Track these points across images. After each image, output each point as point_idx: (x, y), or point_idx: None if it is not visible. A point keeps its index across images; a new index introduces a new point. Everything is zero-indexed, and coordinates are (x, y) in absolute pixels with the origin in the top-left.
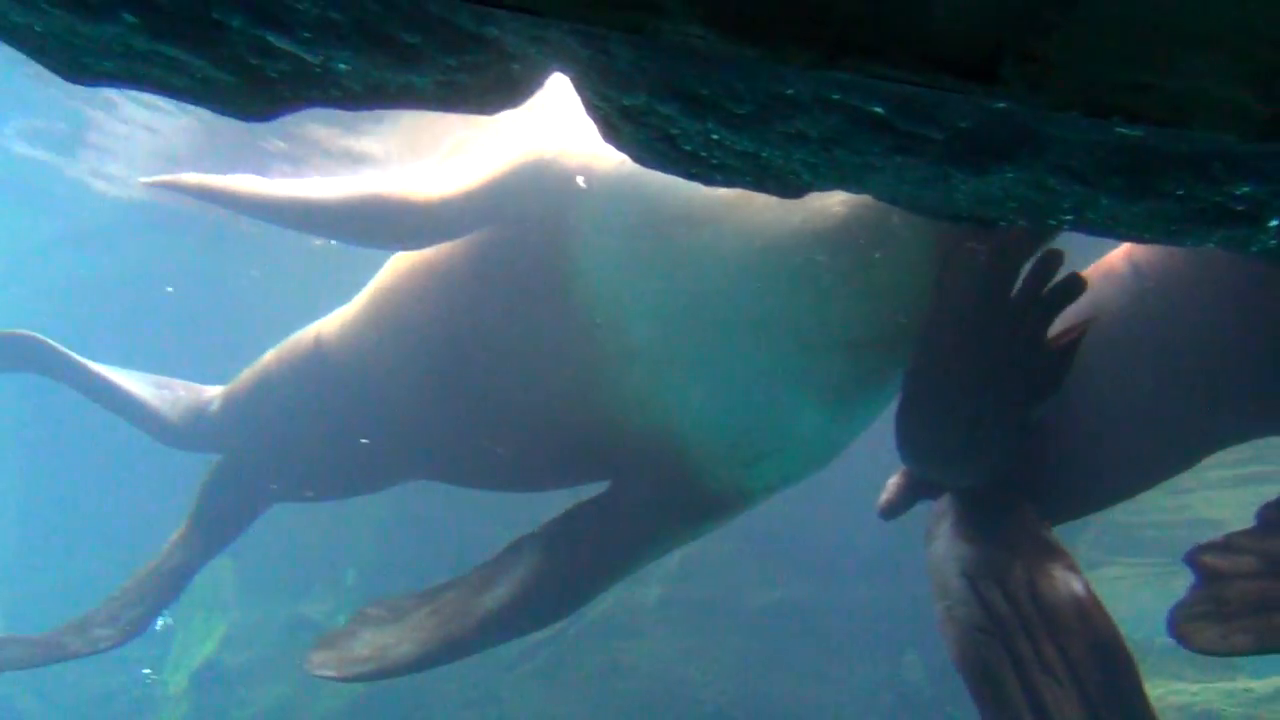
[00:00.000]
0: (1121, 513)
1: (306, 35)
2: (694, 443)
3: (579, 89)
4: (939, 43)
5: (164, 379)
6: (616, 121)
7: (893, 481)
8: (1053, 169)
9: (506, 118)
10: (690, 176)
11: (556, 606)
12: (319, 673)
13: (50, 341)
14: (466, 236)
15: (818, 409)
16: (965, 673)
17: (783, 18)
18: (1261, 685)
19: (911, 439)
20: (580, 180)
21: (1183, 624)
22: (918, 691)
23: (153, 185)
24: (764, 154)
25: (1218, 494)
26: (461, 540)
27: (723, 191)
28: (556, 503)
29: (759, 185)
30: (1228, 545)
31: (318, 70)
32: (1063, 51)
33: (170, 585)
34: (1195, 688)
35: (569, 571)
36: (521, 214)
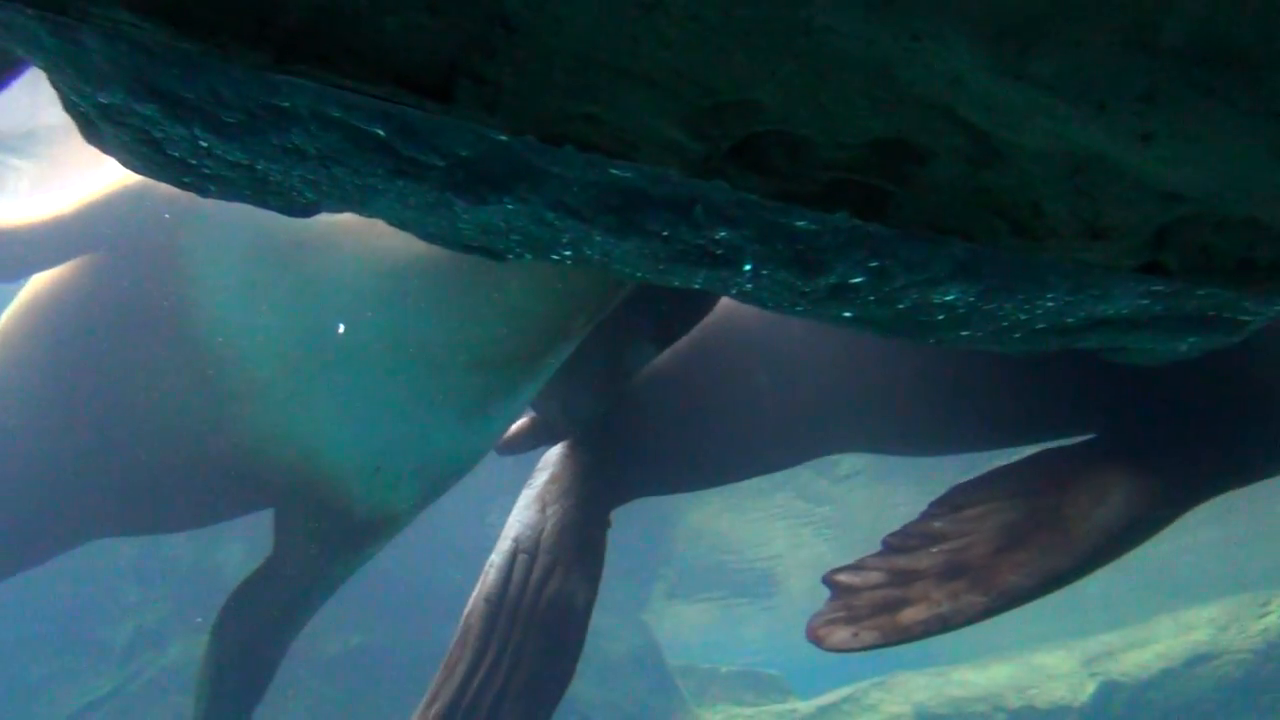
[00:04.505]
0: (695, 554)
1: None
2: (335, 471)
3: (54, 83)
4: (394, 58)
5: None
6: (96, 120)
7: (518, 424)
8: (550, 204)
9: None
10: (183, 186)
11: (248, 684)
12: None
13: None
14: (74, 268)
15: (454, 426)
16: (458, 630)
17: (225, 15)
18: (806, 705)
19: None
20: (177, 210)
21: (818, 629)
22: None
23: None
24: (260, 167)
25: (777, 537)
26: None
27: (342, 216)
28: None
29: (260, 200)
30: (859, 565)
31: None
32: (513, 77)
33: None
34: (751, 711)
35: (252, 637)
36: (124, 241)
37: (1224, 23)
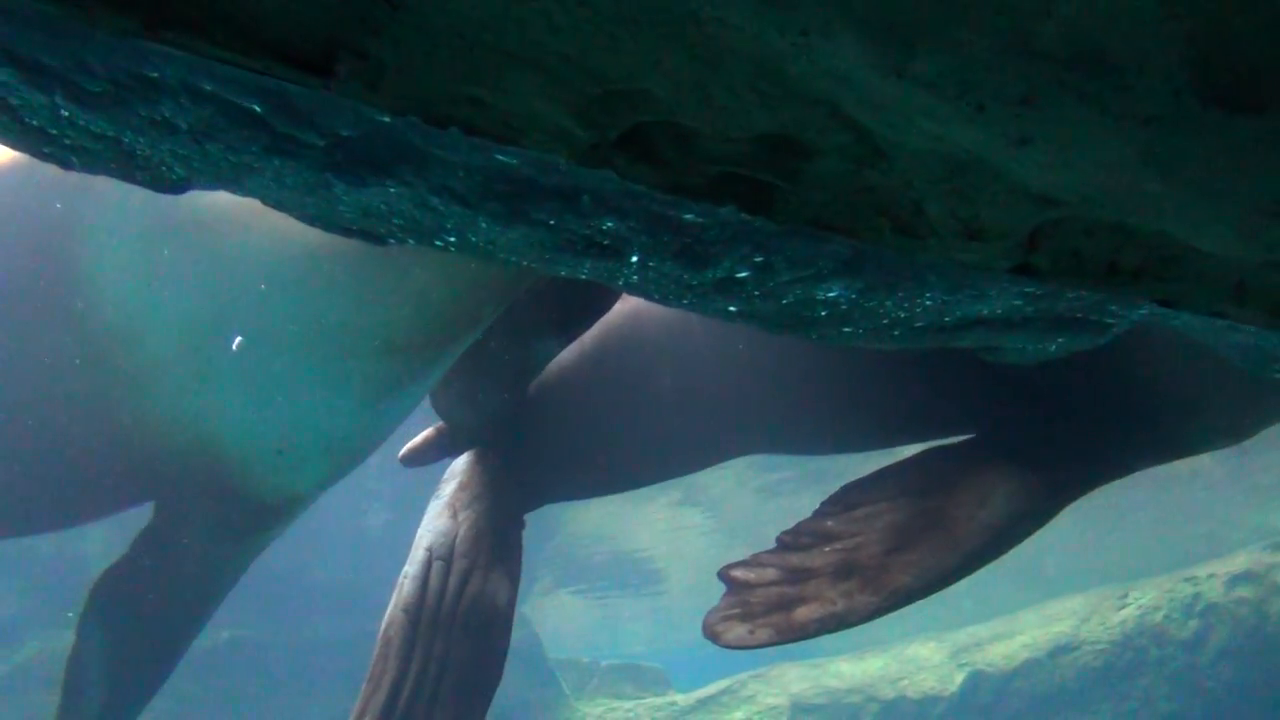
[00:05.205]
0: (576, 547)
1: None
2: (237, 453)
3: None
4: (272, 29)
5: None
6: None
7: (424, 434)
8: (435, 189)
9: None
10: (42, 157)
11: (150, 676)
12: None
13: None
14: None
15: (359, 409)
16: (377, 643)
17: None
18: (685, 698)
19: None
20: (71, 186)
21: (714, 625)
22: None
23: None
24: (126, 139)
25: (659, 531)
26: None
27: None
28: None
29: (126, 175)
30: (754, 561)
31: None
32: (396, 55)
33: None
34: (630, 704)
35: (149, 638)
36: (11, 216)
37: (1096, 28)
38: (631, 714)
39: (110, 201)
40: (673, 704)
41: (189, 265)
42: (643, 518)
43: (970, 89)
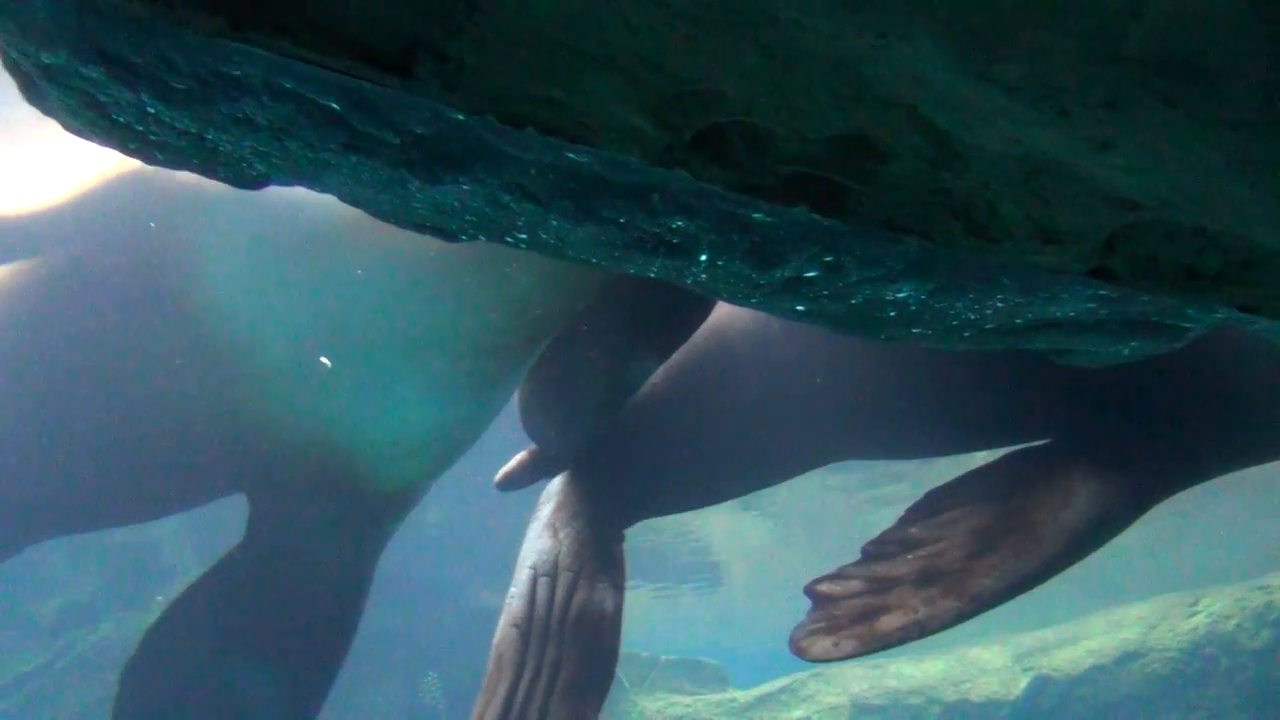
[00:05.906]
0: (635, 540)
1: None
2: (353, 449)
3: None
4: (355, 30)
5: None
6: (39, 81)
7: (517, 458)
8: (507, 186)
9: None
10: (128, 152)
11: (318, 688)
12: None
13: None
14: (47, 259)
15: (466, 403)
16: (490, 659)
17: None
18: (744, 695)
19: (531, 399)
20: (182, 202)
21: (800, 640)
22: (436, 714)
23: None
24: (209, 136)
25: (717, 524)
26: None
27: (356, 212)
28: None
29: (209, 170)
30: (839, 575)
31: None
32: (475, 55)
33: None
34: (690, 699)
35: (315, 648)
36: (120, 231)
37: (1186, 32)
38: (690, 709)
39: (221, 216)
40: (732, 700)
41: (306, 276)
42: (703, 513)
43: (1053, 92)
